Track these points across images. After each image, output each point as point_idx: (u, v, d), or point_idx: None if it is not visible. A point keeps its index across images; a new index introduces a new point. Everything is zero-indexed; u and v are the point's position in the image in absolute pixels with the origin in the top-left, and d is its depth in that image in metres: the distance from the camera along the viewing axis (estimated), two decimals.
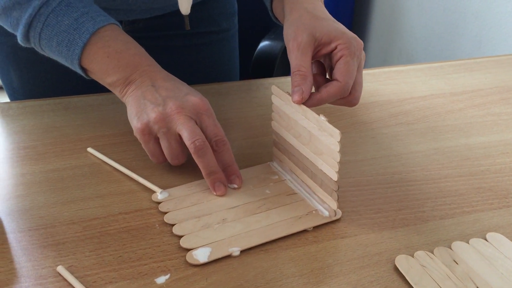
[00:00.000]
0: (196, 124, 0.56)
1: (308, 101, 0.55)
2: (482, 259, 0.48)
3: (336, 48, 0.57)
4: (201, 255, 0.48)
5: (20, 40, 0.61)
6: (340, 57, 0.56)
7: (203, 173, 0.56)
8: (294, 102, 0.54)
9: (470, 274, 0.46)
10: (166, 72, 0.61)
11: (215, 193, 0.56)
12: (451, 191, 0.58)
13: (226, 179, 0.57)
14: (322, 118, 0.51)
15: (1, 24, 0.63)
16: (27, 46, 0.63)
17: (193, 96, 0.57)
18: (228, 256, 0.49)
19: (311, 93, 0.56)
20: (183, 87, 0.59)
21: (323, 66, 0.61)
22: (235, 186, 0.57)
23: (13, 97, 0.88)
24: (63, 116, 0.71)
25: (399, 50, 2.02)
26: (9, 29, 0.62)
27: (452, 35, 1.71)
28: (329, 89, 0.55)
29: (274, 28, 1.08)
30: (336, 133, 0.49)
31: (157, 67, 0.61)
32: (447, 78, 0.85)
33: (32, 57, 0.64)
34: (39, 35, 0.60)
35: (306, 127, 0.54)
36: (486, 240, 0.51)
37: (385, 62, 2.12)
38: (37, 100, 0.75)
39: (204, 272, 0.47)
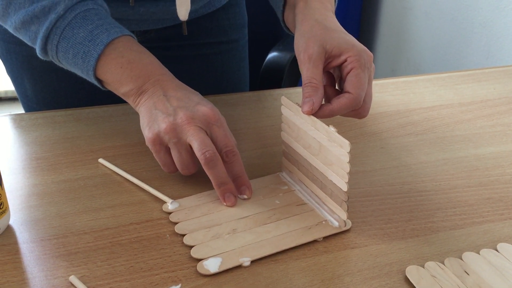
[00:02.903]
0: (207, 134, 0.57)
1: (320, 113, 0.55)
2: (493, 270, 0.48)
3: (346, 60, 0.57)
4: (211, 265, 0.49)
5: (38, 53, 0.63)
6: (351, 70, 0.56)
7: (213, 184, 0.56)
8: (304, 112, 0.54)
9: (481, 285, 0.46)
10: (178, 81, 0.62)
11: (225, 204, 0.56)
12: (461, 201, 0.58)
13: (236, 189, 0.58)
14: (332, 129, 0.51)
15: (21, 38, 0.64)
16: (46, 59, 0.64)
17: (203, 106, 0.58)
18: (239, 267, 0.49)
19: (323, 105, 0.56)
20: (195, 96, 0.60)
21: (333, 77, 0.61)
22: (245, 197, 0.58)
23: (27, 105, 0.89)
24: (74, 127, 0.72)
25: (407, 60, 2.02)
26: (29, 43, 0.64)
27: (460, 45, 1.71)
28: (341, 101, 0.55)
29: (282, 39, 1.09)
30: (346, 143, 0.49)
31: (170, 76, 0.62)
32: (456, 89, 0.86)
33: (46, 66, 0.65)
34: (56, 48, 0.61)
35: (316, 138, 0.54)
36: (497, 250, 0.51)
37: (392, 72, 2.12)
38: (49, 111, 0.76)
39: (214, 283, 0.47)
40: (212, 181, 0.56)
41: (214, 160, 0.55)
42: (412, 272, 0.48)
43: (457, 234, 0.53)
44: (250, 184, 0.58)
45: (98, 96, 0.77)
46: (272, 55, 1.04)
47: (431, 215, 0.56)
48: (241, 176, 0.58)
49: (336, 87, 0.61)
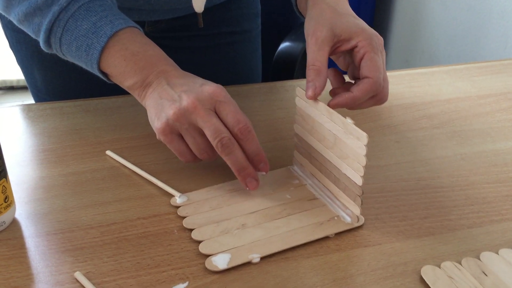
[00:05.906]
0: (216, 114, 0.55)
1: (342, 101, 0.54)
2: None
3: (357, 45, 0.56)
4: (220, 261, 0.47)
5: (42, 46, 0.62)
6: (364, 54, 0.55)
7: (233, 170, 0.55)
8: (307, 97, 0.54)
9: (500, 286, 0.45)
10: (182, 70, 0.60)
11: (247, 189, 0.55)
12: (479, 198, 0.56)
13: (254, 168, 0.56)
14: (349, 121, 0.50)
15: (25, 31, 0.63)
16: (50, 52, 0.63)
17: (208, 86, 0.56)
18: (248, 264, 0.48)
19: (343, 93, 0.55)
20: (199, 79, 0.58)
21: (342, 77, 0.60)
22: (263, 173, 0.57)
23: (37, 95, 0.88)
24: (82, 118, 0.71)
25: (422, 50, 1.98)
26: (32, 36, 0.62)
27: (477, 35, 1.67)
28: (362, 87, 0.54)
29: (294, 29, 1.07)
30: (364, 136, 0.48)
31: (174, 66, 0.60)
32: (473, 81, 0.83)
33: (56, 57, 0.64)
34: (60, 40, 0.60)
35: (332, 130, 0.52)
36: None
37: (407, 63, 2.09)
38: (58, 102, 0.75)
39: (223, 280, 0.46)
40: (231, 167, 0.55)
41: (230, 146, 0.54)
42: (428, 273, 0.46)
43: (475, 232, 0.51)
44: (267, 160, 0.57)
45: (108, 87, 0.75)
46: (284, 45, 1.02)
47: (448, 212, 0.54)
48: (259, 154, 0.56)
49: (347, 77, 0.60)
